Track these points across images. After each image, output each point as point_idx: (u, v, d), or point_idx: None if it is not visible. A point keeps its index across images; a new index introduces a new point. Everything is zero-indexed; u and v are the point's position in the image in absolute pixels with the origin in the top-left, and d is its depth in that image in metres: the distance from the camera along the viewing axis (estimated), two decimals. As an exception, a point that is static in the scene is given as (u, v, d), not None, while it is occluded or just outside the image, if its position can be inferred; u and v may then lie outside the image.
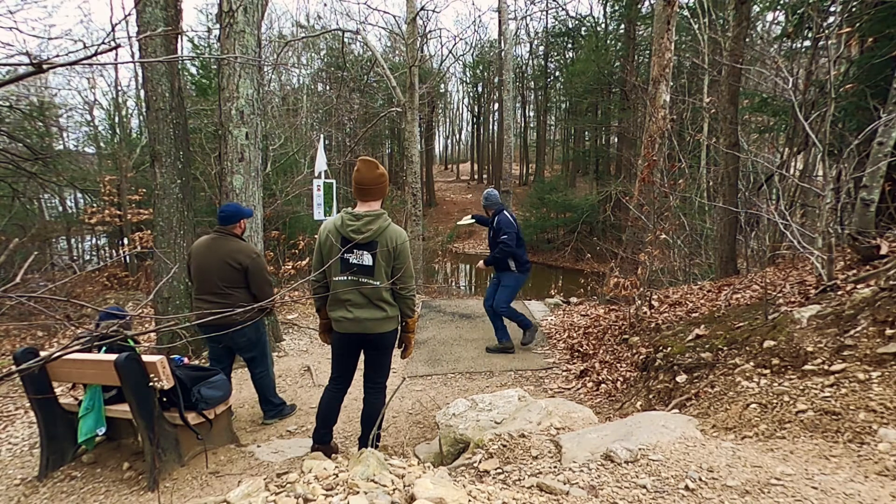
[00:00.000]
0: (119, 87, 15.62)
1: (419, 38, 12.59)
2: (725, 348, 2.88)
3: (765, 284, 3.85)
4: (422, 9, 12.95)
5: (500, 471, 1.75)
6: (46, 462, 2.88)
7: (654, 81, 5.81)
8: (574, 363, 4.72)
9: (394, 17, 23.36)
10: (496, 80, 28.61)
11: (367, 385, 2.79)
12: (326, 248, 2.57)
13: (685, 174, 8.52)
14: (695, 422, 2.02)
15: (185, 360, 3.17)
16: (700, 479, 1.48)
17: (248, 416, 3.86)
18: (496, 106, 30.80)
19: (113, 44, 1.02)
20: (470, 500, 1.30)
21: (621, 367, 4.04)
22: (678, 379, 2.94)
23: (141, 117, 15.33)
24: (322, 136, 10.18)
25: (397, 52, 22.54)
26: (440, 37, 32.59)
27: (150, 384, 2.64)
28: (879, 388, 1.87)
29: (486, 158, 34.19)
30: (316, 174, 6.67)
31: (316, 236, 2.76)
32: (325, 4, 44.92)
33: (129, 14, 6.78)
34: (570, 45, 26.92)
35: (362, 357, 2.81)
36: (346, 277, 2.52)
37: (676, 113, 10.13)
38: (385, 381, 2.82)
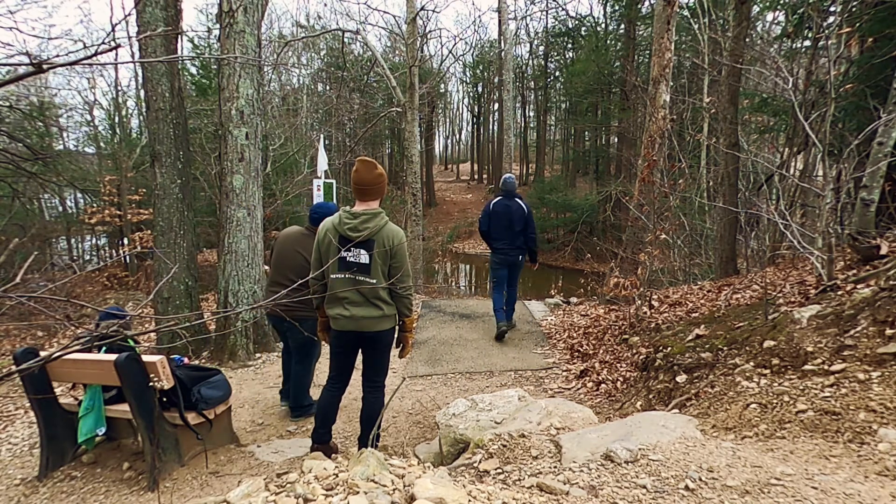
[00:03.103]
0: (119, 87, 15.64)
1: (419, 38, 12.58)
2: (725, 348, 2.88)
3: (765, 284, 3.86)
4: (422, 9, 12.96)
5: (500, 471, 1.75)
6: (46, 462, 2.88)
7: (654, 81, 5.81)
8: (574, 363, 4.72)
9: (394, 17, 23.39)
10: (496, 80, 28.61)
11: (366, 384, 2.79)
12: (325, 247, 2.58)
13: (685, 174, 8.52)
14: (695, 422, 2.02)
15: (185, 360, 3.17)
16: (700, 479, 1.48)
17: (248, 416, 3.86)
18: (496, 106, 30.80)
19: (113, 44, 1.02)
20: (470, 500, 1.30)
21: (621, 367, 4.04)
22: (678, 379, 2.94)
23: (141, 117, 15.34)
24: (322, 136, 10.18)
25: (397, 52, 22.54)
26: (440, 37, 32.57)
27: (150, 384, 2.64)
28: (879, 388, 1.87)
29: (486, 158, 34.18)
30: (317, 174, 6.69)
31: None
32: (325, 4, 45.02)
33: (129, 14, 6.78)
34: (570, 45, 26.89)
35: (360, 358, 2.81)
36: (343, 276, 2.53)
37: (676, 113, 10.13)
38: (384, 380, 2.82)
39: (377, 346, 2.69)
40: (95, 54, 1.02)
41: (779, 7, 8.93)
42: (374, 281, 2.52)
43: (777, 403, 2.05)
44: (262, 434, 3.55)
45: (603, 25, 24.31)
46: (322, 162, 6.59)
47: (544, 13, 26.13)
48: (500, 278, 5.39)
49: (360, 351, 2.78)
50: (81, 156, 15.96)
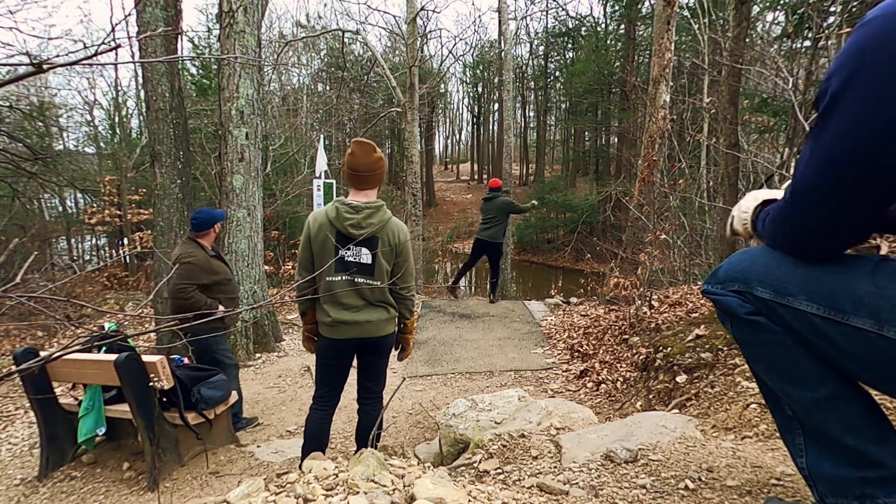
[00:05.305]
0: (119, 87, 15.65)
1: (419, 39, 12.60)
2: (725, 348, 2.88)
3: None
4: (422, 9, 12.96)
5: (499, 471, 1.75)
6: (46, 462, 2.88)
7: (654, 81, 5.81)
8: (574, 363, 4.72)
9: (394, 17, 23.46)
10: (496, 80, 28.65)
11: (364, 396, 2.51)
12: (319, 244, 2.25)
13: (685, 174, 8.51)
14: (695, 422, 2.02)
15: (185, 360, 3.17)
16: (700, 480, 1.48)
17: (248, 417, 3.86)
18: (496, 106, 30.85)
19: (113, 44, 1.02)
20: (470, 500, 1.30)
21: (621, 367, 4.05)
22: (678, 379, 2.94)
23: (141, 117, 15.34)
24: (322, 136, 10.19)
25: (397, 52, 22.56)
26: (440, 37, 32.61)
27: (150, 384, 2.64)
28: (879, 389, 1.87)
29: (486, 158, 34.19)
30: (316, 174, 6.69)
31: None
32: (325, 4, 45.12)
33: (129, 14, 6.78)
34: (570, 46, 26.95)
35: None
36: (340, 278, 2.25)
37: (676, 113, 10.11)
38: (383, 389, 2.56)
39: (380, 351, 2.43)
40: (95, 54, 1.02)
41: (779, 7, 8.93)
42: (378, 282, 2.27)
43: (777, 403, 2.05)
44: (262, 434, 3.55)
45: (603, 25, 24.36)
46: (321, 162, 6.59)
47: (544, 13, 26.18)
48: None
49: (353, 360, 2.49)
50: (81, 156, 15.96)
